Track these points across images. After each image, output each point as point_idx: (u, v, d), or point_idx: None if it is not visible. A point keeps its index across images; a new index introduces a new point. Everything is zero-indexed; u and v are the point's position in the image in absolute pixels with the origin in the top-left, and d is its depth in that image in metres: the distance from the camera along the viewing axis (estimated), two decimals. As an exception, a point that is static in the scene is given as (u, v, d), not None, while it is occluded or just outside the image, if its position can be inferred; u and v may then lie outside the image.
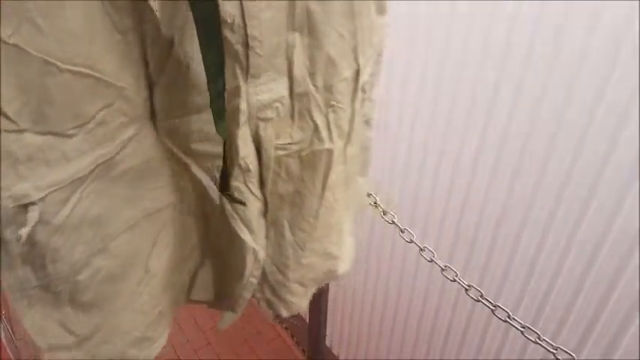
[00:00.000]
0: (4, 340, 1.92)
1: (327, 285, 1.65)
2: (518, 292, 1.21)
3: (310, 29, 0.76)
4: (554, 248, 1.10)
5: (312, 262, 1.13)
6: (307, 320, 1.80)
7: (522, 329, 0.98)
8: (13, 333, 1.89)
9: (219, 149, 0.78)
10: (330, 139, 0.91)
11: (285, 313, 1.17)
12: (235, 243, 0.87)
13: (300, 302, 1.18)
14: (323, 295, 1.56)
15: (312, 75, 0.80)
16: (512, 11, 1.01)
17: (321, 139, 0.90)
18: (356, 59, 0.83)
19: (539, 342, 0.94)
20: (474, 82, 1.13)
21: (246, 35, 0.69)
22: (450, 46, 1.16)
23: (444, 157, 1.28)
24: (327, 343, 2.08)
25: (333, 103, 0.86)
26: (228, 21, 0.67)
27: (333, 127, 0.90)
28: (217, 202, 0.84)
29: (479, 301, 1.05)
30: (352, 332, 1.97)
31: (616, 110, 0.91)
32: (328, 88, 0.84)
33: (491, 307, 1.03)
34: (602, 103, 0.92)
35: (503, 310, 1.01)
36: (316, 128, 0.89)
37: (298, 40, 0.76)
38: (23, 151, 0.63)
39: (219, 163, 0.79)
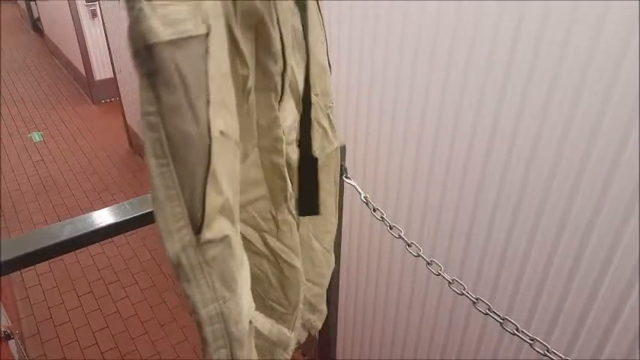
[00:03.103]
0: (18, 360, 1.93)
1: (337, 301, 1.64)
2: (530, 306, 1.19)
3: (302, 46, 0.79)
4: (565, 260, 1.08)
5: (332, 259, 1.13)
6: (317, 336, 1.79)
7: (531, 342, 0.96)
8: (25, 353, 1.90)
9: (256, 193, 0.78)
10: (335, 137, 0.97)
11: (319, 326, 1.17)
12: (288, 276, 0.86)
13: (325, 308, 1.18)
14: (333, 311, 1.55)
15: (312, 86, 0.85)
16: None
17: (330, 142, 0.96)
18: (328, 58, 0.90)
19: (549, 354, 0.93)
20: (478, 92, 1.14)
21: (284, 63, 0.72)
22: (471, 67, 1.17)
23: (451, 170, 1.28)
24: (340, 360, 2.06)
25: (330, 104, 0.92)
26: (275, 52, 0.69)
27: (333, 125, 0.94)
28: (264, 249, 0.84)
29: (487, 314, 1.04)
30: (363, 348, 1.95)
31: (620, 122, 0.90)
32: (325, 92, 0.89)
33: (500, 320, 1.01)
34: (608, 111, 0.92)
35: (512, 323, 1.00)
36: (325, 132, 0.94)
37: (294, 61, 0.78)
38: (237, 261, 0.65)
39: (260, 205, 0.79)
